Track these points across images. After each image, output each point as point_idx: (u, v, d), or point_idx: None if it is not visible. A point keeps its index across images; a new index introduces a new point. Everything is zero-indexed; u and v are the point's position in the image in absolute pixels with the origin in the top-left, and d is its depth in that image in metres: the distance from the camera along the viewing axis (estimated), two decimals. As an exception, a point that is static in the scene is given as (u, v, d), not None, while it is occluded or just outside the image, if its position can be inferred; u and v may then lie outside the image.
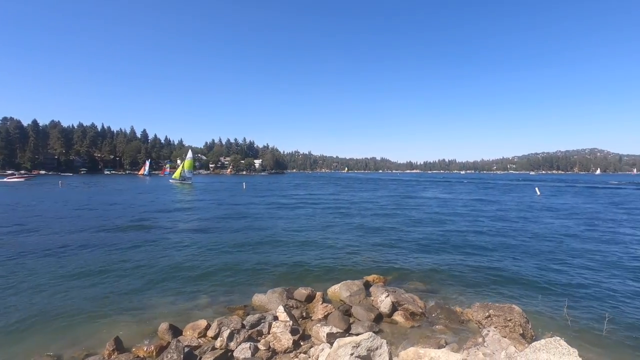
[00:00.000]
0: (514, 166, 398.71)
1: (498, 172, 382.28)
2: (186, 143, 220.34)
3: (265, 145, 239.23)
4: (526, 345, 6.28)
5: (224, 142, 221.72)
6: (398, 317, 7.75)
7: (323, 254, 13.60)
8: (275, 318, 7.29)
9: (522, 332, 6.82)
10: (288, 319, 7.07)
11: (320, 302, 8.33)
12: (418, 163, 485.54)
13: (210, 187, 61.77)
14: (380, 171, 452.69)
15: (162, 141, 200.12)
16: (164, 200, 35.59)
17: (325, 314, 7.71)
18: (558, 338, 5.06)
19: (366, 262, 12.61)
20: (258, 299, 8.62)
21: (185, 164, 70.06)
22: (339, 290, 9.05)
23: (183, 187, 58.45)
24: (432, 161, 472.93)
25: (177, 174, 70.55)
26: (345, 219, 22.93)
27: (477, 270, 11.56)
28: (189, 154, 71.92)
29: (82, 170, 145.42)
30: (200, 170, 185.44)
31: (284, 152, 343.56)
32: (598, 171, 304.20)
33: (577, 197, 43.55)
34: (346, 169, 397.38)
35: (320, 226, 20.19)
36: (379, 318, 7.69)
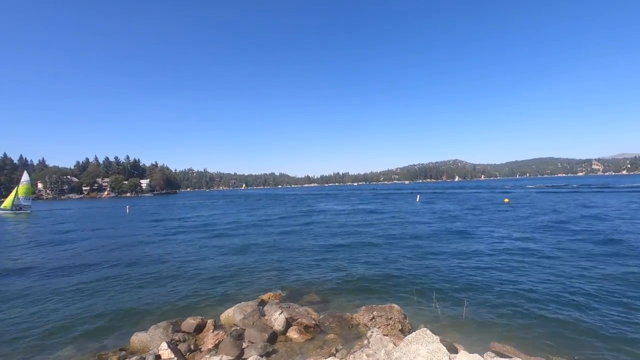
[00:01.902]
0: (397, 176, 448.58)
1: (385, 182, 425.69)
2: (50, 163, 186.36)
3: (154, 163, 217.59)
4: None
5: (101, 161, 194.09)
6: (292, 333, 7.77)
7: (217, 278, 12.88)
8: (158, 357, 6.53)
9: (401, 327, 7.56)
10: (173, 356, 6.43)
11: (212, 330, 7.82)
12: (315, 177, 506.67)
13: (78, 215, 52.87)
14: (279, 186, 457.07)
15: (16, 161, 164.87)
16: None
17: (216, 342, 7.25)
18: (425, 329, 5.76)
19: (263, 280, 12.41)
20: (138, 338, 7.62)
21: (19, 189, 55.55)
22: (232, 314, 8.64)
23: (17, 218, 46.69)
24: (328, 175, 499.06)
25: (7, 202, 54.89)
26: (241, 239, 22.24)
27: (365, 275, 12.46)
28: (24, 177, 56.59)
29: None
30: (71, 195, 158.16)
31: (175, 170, 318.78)
32: (457, 178, 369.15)
33: (446, 202, 51.20)
34: (244, 185, 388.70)
35: (214, 248, 19.13)
36: (274, 337, 7.58)
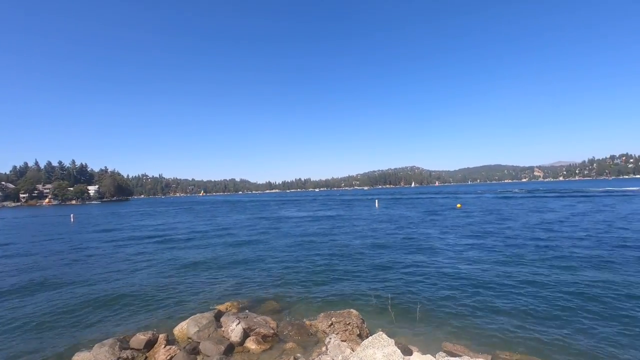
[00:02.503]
0: (357, 182, 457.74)
1: (346, 188, 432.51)
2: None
3: (104, 168, 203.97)
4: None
5: (42, 166, 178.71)
6: (250, 343, 7.59)
7: (170, 290, 12.29)
8: (102, 378, 6.08)
9: (359, 332, 7.66)
10: (119, 376, 6.00)
11: (163, 346, 7.43)
12: (277, 183, 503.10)
13: (12, 225, 48.20)
14: (240, 192, 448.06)
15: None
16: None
17: (169, 358, 6.91)
18: (381, 333, 5.89)
19: (220, 290, 12.03)
20: (80, 358, 7.05)
21: None
22: (186, 327, 8.27)
23: None
24: (289, 181, 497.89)
25: None
26: (197, 248, 21.46)
27: (325, 282, 12.53)
28: None
29: None
30: (6, 203, 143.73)
31: (128, 176, 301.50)
32: (413, 184, 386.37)
33: (403, 207, 52.94)
34: (202, 191, 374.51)
35: (167, 259, 18.26)
36: (230, 349, 7.36)
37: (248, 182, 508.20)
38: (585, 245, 16.72)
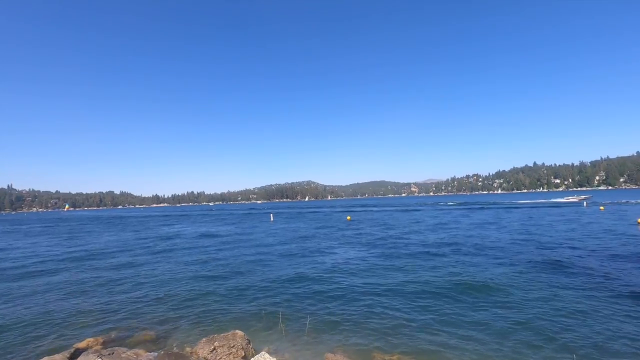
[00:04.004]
0: (255, 196, 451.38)
1: (243, 201, 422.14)
2: None
3: None
4: (245, 366, 6.79)
5: None
6: (115, 384, 6.55)
7: (12, 330, 9.87)
8: None
9: (244, 354, 7.34)
10: None
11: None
12: (166, 196, 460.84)
13: None
14: (120, 207, 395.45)
15: None
16: None
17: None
18: (264, 353, 5.75)
19: (82, 322, 10.18)
20: None
21: None
22: (27, 375, 6.69)
23: None
24: (180, 194, 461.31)
25: None
26: (51, 277, 17.94)
27: (209, 303, 11.75)
28: None
29: None
30: None
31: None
32: (307, 198, 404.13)
33: (297, 221, 54.15)
34: (67, 206, 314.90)
35: (9, 292, 14.80)
36: (88, 394, 6.20)
37: (131, 195, 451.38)
38: (455, 251, 19.66)
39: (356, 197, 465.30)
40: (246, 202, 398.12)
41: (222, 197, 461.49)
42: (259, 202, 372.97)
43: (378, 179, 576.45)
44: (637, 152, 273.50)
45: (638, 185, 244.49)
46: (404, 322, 9.32)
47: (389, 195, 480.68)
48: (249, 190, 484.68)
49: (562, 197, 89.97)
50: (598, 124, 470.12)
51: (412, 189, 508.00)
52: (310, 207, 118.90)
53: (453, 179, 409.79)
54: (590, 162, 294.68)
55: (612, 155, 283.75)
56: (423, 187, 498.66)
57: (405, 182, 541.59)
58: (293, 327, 9.34)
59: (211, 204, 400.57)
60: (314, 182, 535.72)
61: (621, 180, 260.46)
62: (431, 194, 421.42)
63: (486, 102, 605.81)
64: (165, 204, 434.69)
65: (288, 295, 12.32)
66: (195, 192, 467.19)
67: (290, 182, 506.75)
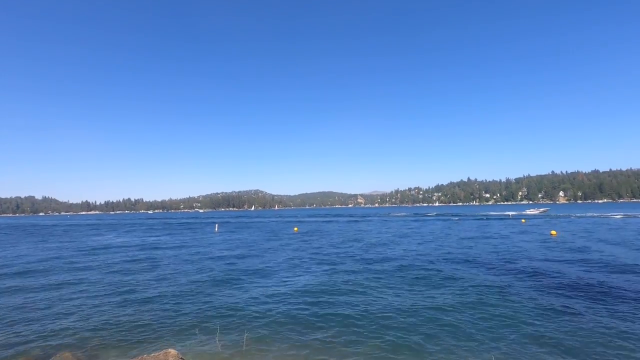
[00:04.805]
0: (199, 204, 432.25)
1: (186, 210, 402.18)
2: None
3: None
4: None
5: None
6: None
7: None
8: None
9: (176, 374, 6.90)
10: None
11: None
12: (98, 203, 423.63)
13: None
14: (42, 214, 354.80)
15: None
16: None
17: None
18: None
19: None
20: None
21: None
22: None
23: None
24: (115, 201, 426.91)
25: None
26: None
27: (140, 319, 10.99)
28: None
29: None
30: None
31: None
32: (253, 207, 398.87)
33: (243, 231, 52.89)
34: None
35: None
36: None
37: (55, 201, 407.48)
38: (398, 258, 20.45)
39: (304, 207, 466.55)
40: (190, 211, 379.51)
41: (163, 205, 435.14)
42: (201, 210, 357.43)
43: (326, 190, 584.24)
44: (552, 172, 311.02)
45: (552, 200, 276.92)
46: (342, 335, 9.46)
47: (337, 206, 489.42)
48: (193, 198, 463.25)
49: (527, 210, 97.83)
50: (522, 145, 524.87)
51: (359, 200, 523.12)
52: (258, 217, 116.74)
53: (397, 191, 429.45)
54: (515, 179, 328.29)
55: (533, 174, 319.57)
56: (369, 198, 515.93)
57: (353, 193, 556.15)
58: (231, 341, 9.11)
59: (150, 212, 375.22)
60: (262, 191, 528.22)
61: (539, 195, 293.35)
62: (376, 205, 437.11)
63: (427, 119, 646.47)
64: (97, 212, 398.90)
65: (225, 308, 11.93)
66: (133, 199, 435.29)
67: (237, 190, 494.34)
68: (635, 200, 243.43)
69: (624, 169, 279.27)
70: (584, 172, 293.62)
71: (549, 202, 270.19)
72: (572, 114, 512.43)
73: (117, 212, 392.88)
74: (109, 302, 13.13)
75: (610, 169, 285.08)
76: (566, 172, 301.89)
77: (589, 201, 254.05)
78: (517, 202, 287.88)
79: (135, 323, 10.60)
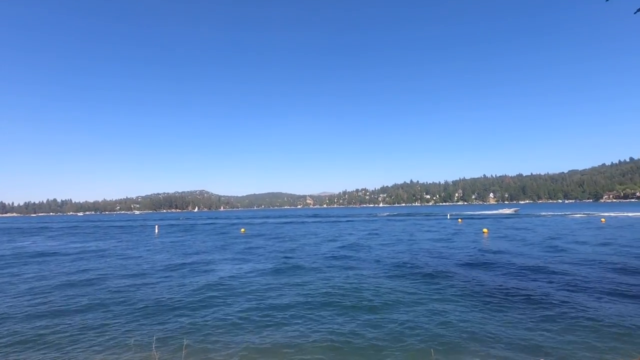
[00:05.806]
0: (137, 206, 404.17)
1: (123, 212, 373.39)
2: None
3: None
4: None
5: None
6: None
7: None
8: None
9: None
10: None
11: None
12: (15, 204, 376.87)
13: None
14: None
15: None
16: None
17: None
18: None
19: None
20: None
21: None
22: None
23: None
24: (38, 202, 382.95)
25: None
26: None
27: (68, 334, 9.84)
28: None
29: None
30: None
31: None
32: (197, 209, 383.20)
33: (186, 234, 50.44)
34: None
35: None
36: None
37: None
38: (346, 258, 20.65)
39: (252, 209, 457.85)
40: (127, 213, 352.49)
41: (96, 207, 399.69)
42: (137, 212, 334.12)
43: (275, 190, 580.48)
44: (484, 175, 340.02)
45: (483, 201, 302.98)
46: (289, 338, 9.26)
47: (285, 207, 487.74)
48: (131, 199, 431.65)
49: (498, 209, 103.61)
50: (459, 149, 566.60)
51: (308, 201, 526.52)
52: (203, 219, 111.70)
53: (344, 192, 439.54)
54: (452, 182, 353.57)
55: (467, 177, 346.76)
56: (318, 199, 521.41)
57: (301, 194, 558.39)
58: (169, 353, 8.49)
59: (80, 214, 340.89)
60: (207, 192, 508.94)
61: (473, 197, 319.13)
62: (325, 205, 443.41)
63: (374, 120, 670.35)
64: (14, 214, 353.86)
65: (163, 318, 11.14)
66: (59, 200, 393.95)
67: (180, 191, 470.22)
68: (551, 201, 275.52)
69: (542, 173, 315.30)
70: (510, 175, 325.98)
71: (481, 203, 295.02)
72: (500, 121, 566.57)
73: (40, 214, 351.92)
74: (32, 311, 11.53)
75: (532, 173, 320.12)
76: (495, 175, 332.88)
77: (514, 202, 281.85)
78: (454, 203, 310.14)
79: (65, 339, 9.40)
